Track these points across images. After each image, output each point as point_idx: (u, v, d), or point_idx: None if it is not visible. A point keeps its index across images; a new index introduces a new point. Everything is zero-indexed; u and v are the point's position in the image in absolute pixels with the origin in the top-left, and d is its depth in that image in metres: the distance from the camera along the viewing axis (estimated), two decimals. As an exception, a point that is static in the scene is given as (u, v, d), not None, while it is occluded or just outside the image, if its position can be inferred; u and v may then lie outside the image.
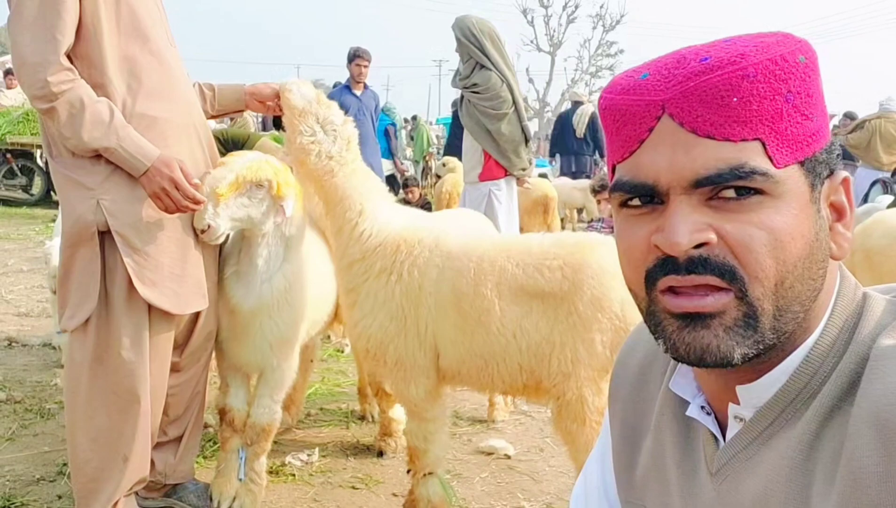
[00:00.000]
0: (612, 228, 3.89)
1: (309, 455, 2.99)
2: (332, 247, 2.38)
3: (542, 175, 10.41)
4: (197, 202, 2.16)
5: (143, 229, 2.16)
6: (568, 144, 10.53)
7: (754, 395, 0.79)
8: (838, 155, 0.79)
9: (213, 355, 2.61)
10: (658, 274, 0.76)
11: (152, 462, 2.41)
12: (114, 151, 2.08)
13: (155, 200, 2.13)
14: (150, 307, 2.21)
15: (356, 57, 6.89)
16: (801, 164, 0.74)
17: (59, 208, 2.27)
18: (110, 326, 2.18)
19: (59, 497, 2.65)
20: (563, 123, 10.68)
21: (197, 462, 2.76)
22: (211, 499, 2.56)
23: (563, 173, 10.64)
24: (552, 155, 11.53)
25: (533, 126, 32.48)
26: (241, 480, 2.59)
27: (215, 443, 3.06)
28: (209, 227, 2.24)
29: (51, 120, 2.08)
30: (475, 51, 4.69)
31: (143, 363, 2.22)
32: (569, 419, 2.12)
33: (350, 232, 2.27)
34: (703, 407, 0.86)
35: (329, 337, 4.52)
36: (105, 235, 2.14)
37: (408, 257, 2.23)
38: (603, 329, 2.06)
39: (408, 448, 2.43)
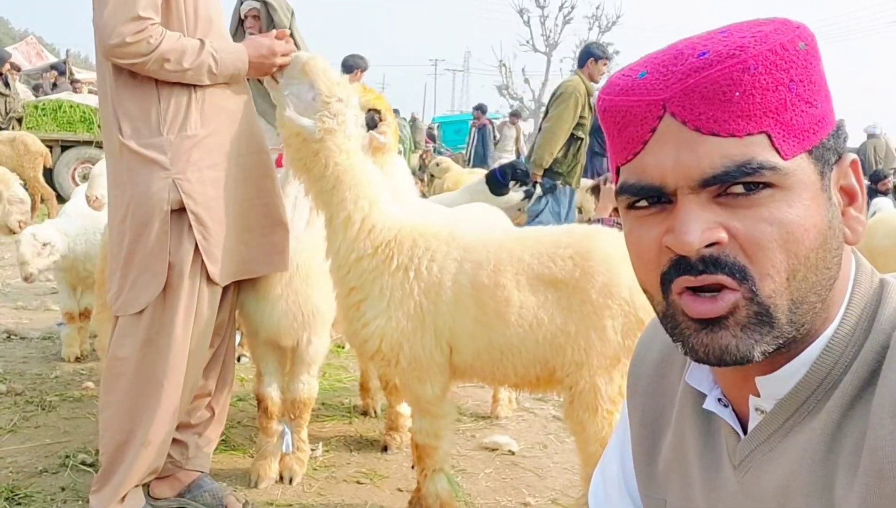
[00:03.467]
0: (612, 226, 3.88)
1: (313, 450, 2.97)
2: (326, 238, 2.27)
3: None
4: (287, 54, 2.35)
5: (212, 208, 2.27)
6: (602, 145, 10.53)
7: (774, 387, 0.78)
8: (845, 138, 0.78)
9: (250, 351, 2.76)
10: (672, 276, 0.75)
11: (181, 442, 2.47)
12: (221, 64, 2.27)
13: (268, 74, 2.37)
14: (200, 287, 2.28)
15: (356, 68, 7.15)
16: (809, 152, 0.73)
17: (118, 188, 2.30)
18: (165, 307, 2.24)
19: (63, 489, 2.63)
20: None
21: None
22: (221, 499, 2.54)
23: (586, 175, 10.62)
24: None
25: (528, 126, 32.50)
26: (287, 452, 2.75)
27: (224, 440, 3.06)
28: None
29: (162, 71, 2.18)
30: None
31: (187, 344, 2.28)
32: (581, 408, 2.12)
33: (353, 225, 2.18)
34: (719, 400, 0.85)
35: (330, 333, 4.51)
36: (171, 215, 2.22)
37: (426, 253, 2.19)
38: (614, 315, 2.09)
39: (415, 447, 2.40)
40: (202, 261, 2.28)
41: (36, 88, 12.78)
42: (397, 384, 3.04)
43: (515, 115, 15.80)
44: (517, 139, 14.68)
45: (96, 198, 3.25)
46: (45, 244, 3.68)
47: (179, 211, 2.23)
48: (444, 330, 2.20)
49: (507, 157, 13.91)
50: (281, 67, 2.33)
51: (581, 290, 2.11)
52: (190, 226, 2.24)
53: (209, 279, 2.31)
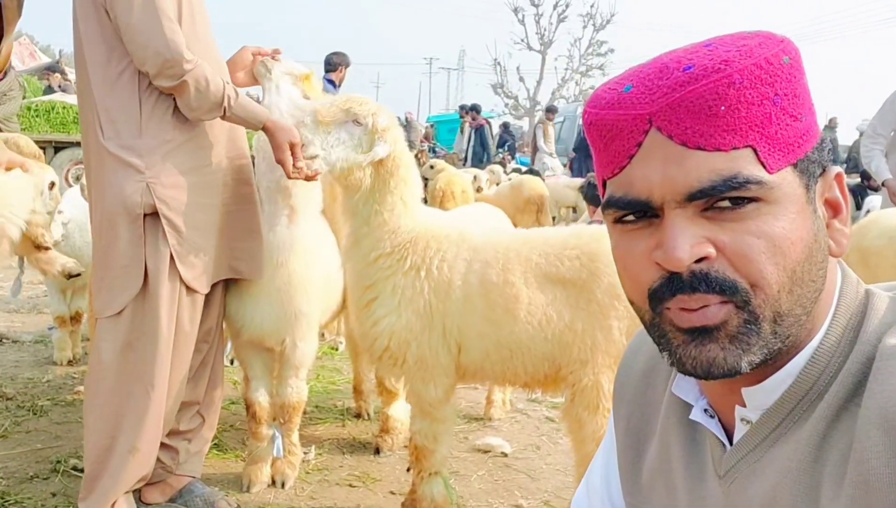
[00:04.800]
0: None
1: (305, 453, 2.97)
2: (352, 239, 2.29)
3: (535, 172, 10.42)
4: (307, 176, 2.28)
5: (187, 214, 2.27)
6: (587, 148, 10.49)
7: (760, 397, 0.78)
8: (829, 151, 0.78)
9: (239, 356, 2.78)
10: (665, 294, 0.75)
11: (171, 447, 2.46)
12: (229, 118, 2.29)
13: (280, 152, 2.30)
14: (180, 292, 2.27)
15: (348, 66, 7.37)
16: (795, 166, 0.73)
17: (96, 189, 2.30)
18: (145, 311, 2.24)
19: (54, 495, 2.62)
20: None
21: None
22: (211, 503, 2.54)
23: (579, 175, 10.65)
24: (576, 151, 11.60)
25: (523, 125, 32.52)
26: (278, 457, 2.75)
27: (216, 445, 3.06)
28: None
29: (178, 95, 2.20)
30: None
31: (169, 349, 2.27)
32: (581, 405, 2.16)
33: (386, 224, 2.20)
34: (705, 410, 0.85)
35: (323, 335, 4.50)
36: (145, 219, 2.22)
37: (437, 253, 2.22)
38: (620, 316, 2.13)
39: (413, 449, 2.40)
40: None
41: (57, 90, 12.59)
42: (388, 386, 3.06)
43: (551, 110, 15.79)
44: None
45: None
46: (59, 211, 3.69)
47: (155, 215, 2.23)
48: (452, 329, 2.22)
49: (550, 160, 13.81)
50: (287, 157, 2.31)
51: (588, 290, 2.16)
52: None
53: (191, 285, 2.30)
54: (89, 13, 2.22)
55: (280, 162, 2.31)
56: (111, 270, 2.23)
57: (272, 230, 2.53)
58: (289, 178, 2.33)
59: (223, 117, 2.28)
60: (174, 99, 2.26)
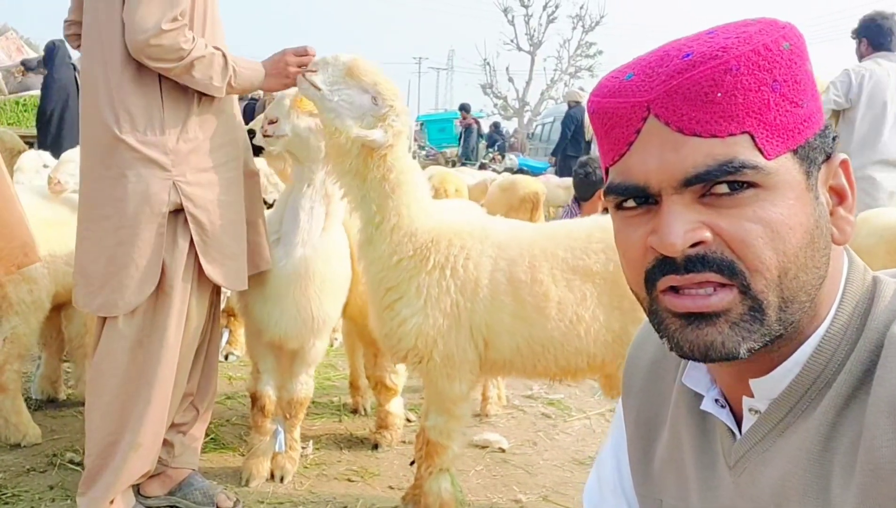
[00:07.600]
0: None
1: (303, 448, 2.96)
2: (364, 236, 2.25)
3: (524, 172, 10.44)
4: (305, 64, 2.28)
5: (212, 211, 2.26)
6: (575, 148, 10.41)
7: (768, 387, 0.79)
8: (834, 138, 0.78)
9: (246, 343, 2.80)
10: (657, 275, 0.76)
11: (166, 441, 2.45)
12: (239, 77, 2.30)
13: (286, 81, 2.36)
14: (191, 290, 2.26)
15: None
16: (794, 152, 0.73)
17: (105, 182, 2.23)
18: (157, 310, 2.22)
19: (51, 488, 2.61)
20: (565, 125, 10.67)
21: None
22: (211, 498, 2.53)
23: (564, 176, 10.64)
24: (554, 155, 11.59)
25: (513, 124, 32.57)
26: (280, 452, 2.74)
27: (213, 439, 3.05)
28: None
29: (188, 76, 2.19)
30: None
31: (177, 348, 2.26)
32: (616, 390, 2.22)
33: (401, 228, 2.17)
34: (717, 400, 0.86)
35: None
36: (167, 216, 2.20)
37: (461, 251, 2.20)
38: None
39: (425, 444, 2.38)
40: (194, 264, 2.26)
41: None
42: (388, 383, 3.06)
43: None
44: None
45: (58, 182, 2.93)
46: None
47: (174, 212, 2.22)
48: (480, 326, 2.21)
49: None
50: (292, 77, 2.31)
51: (619, 285, 2.14)
52: (185, 227, 2.22)
53: (200, 282, 2.29)
54: (112, 2, 2.17)
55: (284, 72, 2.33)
56: (127, 268, 2.19)
57: (308, 241, 2.51)
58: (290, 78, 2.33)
59: (230, 90, 2.27)
60: (196, 95, 2.25)
